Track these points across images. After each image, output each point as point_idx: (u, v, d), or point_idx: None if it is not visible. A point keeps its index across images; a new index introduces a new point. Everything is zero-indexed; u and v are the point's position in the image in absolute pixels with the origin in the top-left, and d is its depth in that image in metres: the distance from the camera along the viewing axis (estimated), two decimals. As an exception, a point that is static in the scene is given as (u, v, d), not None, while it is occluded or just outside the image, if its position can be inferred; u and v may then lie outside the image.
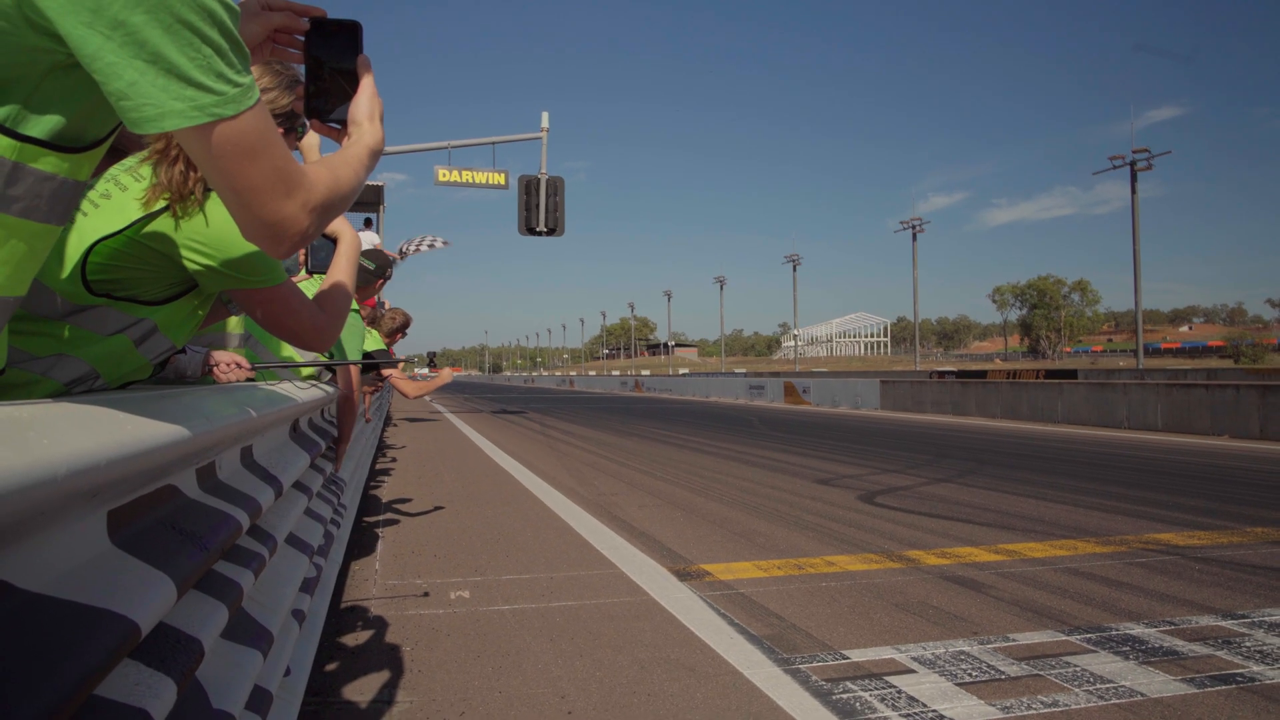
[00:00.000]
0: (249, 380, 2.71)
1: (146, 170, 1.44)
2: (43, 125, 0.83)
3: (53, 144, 0.85)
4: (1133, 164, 36.32)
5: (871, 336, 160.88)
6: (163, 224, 1.42)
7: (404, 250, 16.20)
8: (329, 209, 0.99)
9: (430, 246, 16.57)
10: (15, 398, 1.33)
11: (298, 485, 2.51)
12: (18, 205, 0.85)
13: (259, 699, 1.52)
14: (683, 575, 4.00)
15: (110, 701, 0.89)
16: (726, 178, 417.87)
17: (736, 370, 76.65)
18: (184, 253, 1.43)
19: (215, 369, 2.54)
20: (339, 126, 1.18)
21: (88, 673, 0.76)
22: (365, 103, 1.16)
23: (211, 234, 1.44)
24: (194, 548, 1.19)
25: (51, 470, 0.69)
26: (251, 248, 1.47)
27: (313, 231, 0.98)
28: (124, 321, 1.46)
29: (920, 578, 3.96)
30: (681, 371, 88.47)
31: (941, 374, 26.27)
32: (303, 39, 1.17)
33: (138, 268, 1.42)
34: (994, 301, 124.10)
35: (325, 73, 1.18)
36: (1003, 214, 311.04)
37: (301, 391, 2.80)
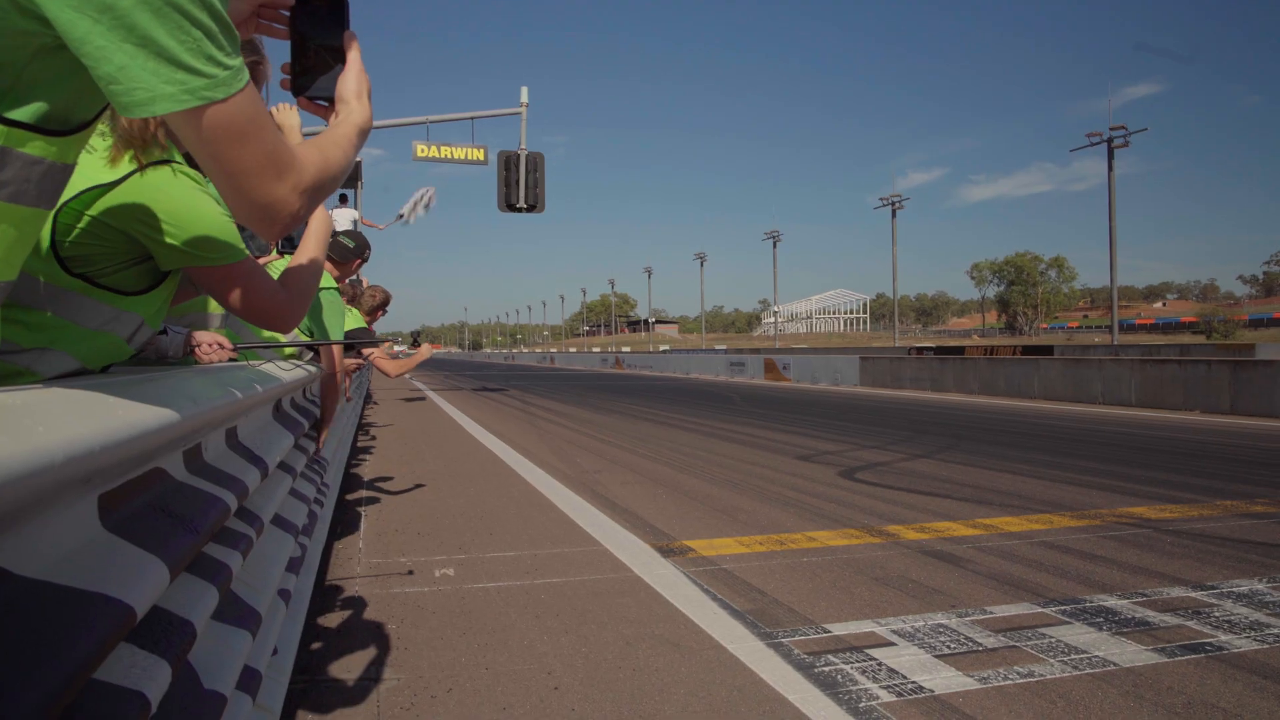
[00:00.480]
0: (231, 361, 2.69)
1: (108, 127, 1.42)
2: (29, 109, 0.82)
3: (40, 127, 0.84)
4: (1110, 141, 36.59)
5: (851, 313, 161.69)
6: (122, 196, 1.39)
7: (404, 216, 16.04)
8: (320, 189, 0.99)
9: (427, 206, 16.43)
10: (-1, 386, 1.32)
11: (282, 465, 2.51)
12: (6, 190, 0.85)
13: (249, 678, 1.53)
14: (666, 551, 4.04)
15: (107, 684, 0.90)
16: (707, 154, 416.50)
17: (717, 347, 76.84)
18: (141, 229, 1.40)
19: (197, 350, 2.52)
20: (326, 104, 1.17)
21: (86, 657, 0.77)
22: (353, 79, 1.14)
23: (170, 209, 1.41)
24: (184, 531, 1.19)
25: (49, 457, 0.69)
26: (210, 224, 1.45)
27: (304, 213, 0.99)
28: (108, 315, 1.44)
29: (900, 552, 4.02)
30: (662, 348, 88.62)
31: (920, 350, 26.48)
32: (288, 14, 1.15)
33: (99, 245, 1.40)
34: (972, 278, 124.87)
35: (311, 49, 1.16)
36: (981, 190, 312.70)
37: (284, 372, 2.79)
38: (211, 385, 1.59)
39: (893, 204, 55.38)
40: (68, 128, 0.88)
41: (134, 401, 1.06)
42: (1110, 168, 36.01)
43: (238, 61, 0.83)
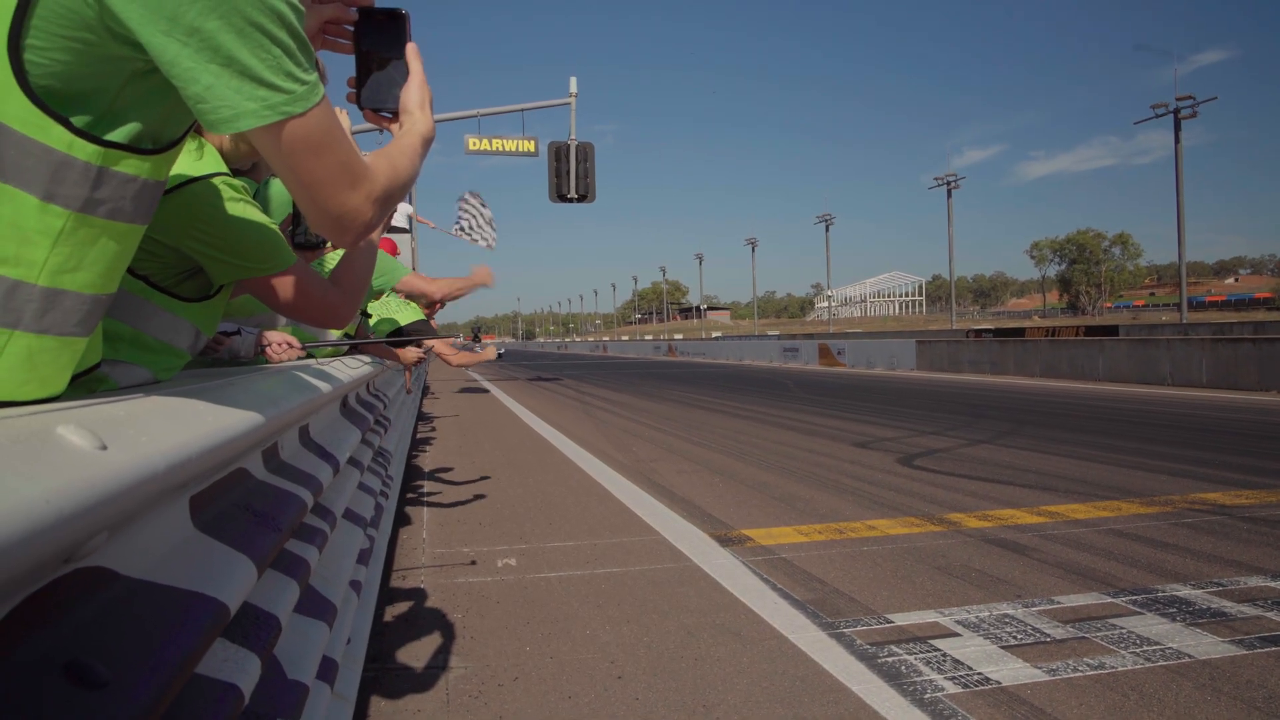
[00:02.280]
0: (300, 359, 2.77)
1: None
2: (124, 130, 0.87)
3: (133, 147, 0.89)
4: (1176, 111, 35.19)
5: (906, 296, 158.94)
6: (170, 210, 1.40)
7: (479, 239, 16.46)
8: (390, 199, 1.01)
9: (471, 239, 16.79)
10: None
11: (350, 460, 2.58)
12: (104, 207, 0.89)
13: (327, 668, 1.59)
14: (724, 541, 4.05)
15: (204, 678, 0.94)
16: (757, 138, 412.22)
17: (770, 333, 76.29)
18: (190, 244, 1.45)
19: (268, 349, 2.60)
20: (390, 116, 1.20)
21: (189, 652, 0.81)
22: (416, 91, 1.17)
23: (215, 221, 1.46)
24: (267, 528, 1.24)
25: (153, 466, 0.73)
26: (256, 234, 1.50)
27: (375, 221, 1.01)
28: (168, 322, 1.48)
29: (962, 541, 3.97)
30: (714, 335, 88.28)
31: (978, 333, 25.93)
32: (352, 29, 1.19)
33: (154, 260, 1.44)
34: (1032, 257, 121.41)
35: (375, 62, 1.20)
36: (1040, 167, 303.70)
37: (350, 369, 2.87)
38: (286, 386, 1.65)
39: (948, 183, 54.16)
40: (159, 146, 0.92)
41: (220, 406, 1.11)
42: (1177, 139, 34.66)
43: (313, 76, 0.86)
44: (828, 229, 75.50)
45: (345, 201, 0.93)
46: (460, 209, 17.70)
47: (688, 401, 13.07)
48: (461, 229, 17.39)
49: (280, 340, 2.63)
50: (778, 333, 69.50)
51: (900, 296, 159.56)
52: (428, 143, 1.15)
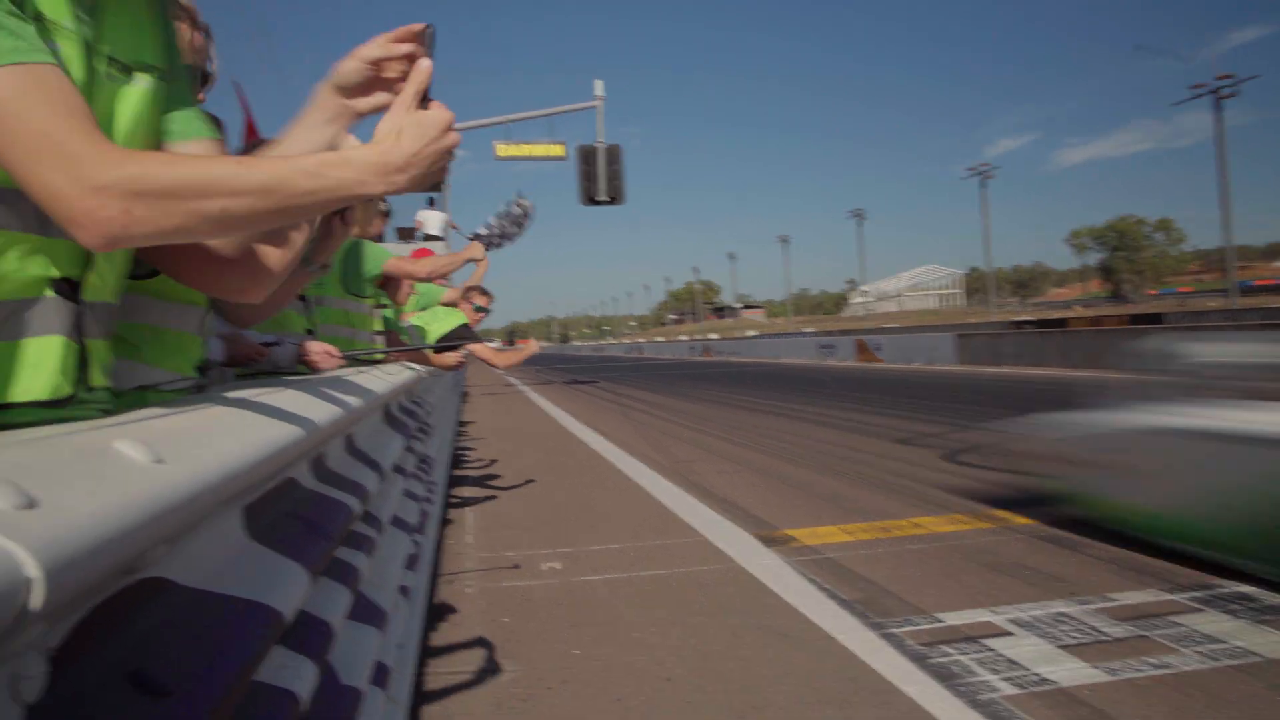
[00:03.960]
0: (340, 368, 2.80)
1: None
2: None
3: None
4: (1216, 91, 34.31)
5: (944, 289, 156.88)
6: None
7: (504, 231, 16.45)
8: (163, 201, 0.82)
9: (517, 222, 16.80)
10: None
11: (395, 467, 2.60)
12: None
13: (379, 673, 1.60)
14: (768, 541, 4.02)
15: (262, 684, 0.95)
16: (786, 135, 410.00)
17: (805, 330, 75.82)
18: None
19: (309, 359, 2.64)
20: None
21: (247, 660, 0.82)
22: (394, 116, 0.98)
23: None
24: (318, 536, 1.25)
25: (207, 478, 0.73)
26: None
27: (128, 224, 0.81)
28: (171, 310, 1.51)
29: (1011, 537, 3.90)
30: (749, 333, 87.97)
31: (1019, 324, 25.54)
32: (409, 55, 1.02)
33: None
34: (1071, 246, 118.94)
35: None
36: (1077, 153, 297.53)
37: (391, 377, 2.89)
38: (330, 396, 1.66)
39: (982, 173, 53.43)
40: None
41: (269, 418, 1.12)
42: (1219, 119, 33.81)
43: (23, 42, 0.81)
44: (860, 224, 74.86)
45: (48, 184, 0.79)
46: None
47: (725, 401, 13.02)
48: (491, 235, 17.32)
49: (320, 350, 2.66)
50: (813, 329, 69.08)
51: (937, 290, 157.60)
52: (366, 173, 0.89)
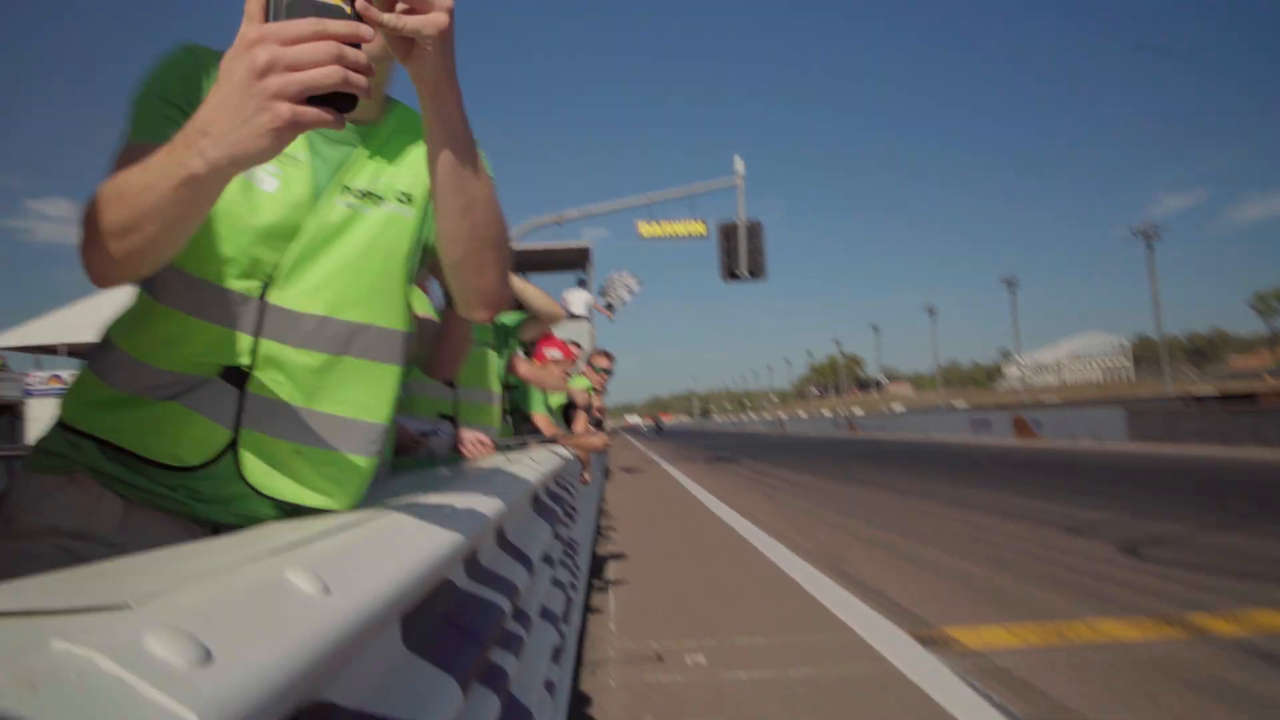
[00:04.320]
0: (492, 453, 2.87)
1: None
2: None
3: None
4: None
5: (1108, 358, 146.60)
6: None
7: (610, 303, 16.83)
8: (98, 219, 0.90)
9: (630, 292, 17.10)
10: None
11: (543, 557, 2.61)
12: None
13: (526, 779, 1.56)
14: (926, 641, 3.75)
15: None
16: (929, 200, 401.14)
17: (956, 404, 72.43)
18: None
19: (462, 447, 2.72)
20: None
21: (405, 789, 0.80)
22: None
23: None
24: (471, 643, 1.24)
25: (371, 607, 0.73)
26: None
27: (88, 254, 0.95)
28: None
29: (1212, 650, 3.46)
30: (896, 408, 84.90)
31: (1199, 399, 23.32)
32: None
33: None
34: (1256, 309, 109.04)
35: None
36: (1256, 208, 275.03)
37: (541, 463, 2.93)
38: (485, 490, 1.68)
39: (1146, 234, 50.08)
40: None
41: (430, 525, 1.13)
42: None
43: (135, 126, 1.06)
44: (1012, 291, 71.51)
45: None
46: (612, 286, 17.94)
47: (872, 481, 12.52)
48: (611, 305, 17.60)
49: (474, 438, 2.74)
50: (965, 404, 65.89)
51: (1100, 359, 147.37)
52: (178, 150, 0.82)
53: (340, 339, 1.19)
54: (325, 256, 1.17)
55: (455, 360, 2.02)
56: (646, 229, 18.31)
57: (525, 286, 3.44)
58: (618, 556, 6.53)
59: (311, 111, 0.77)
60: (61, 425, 1.17)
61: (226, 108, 0.77)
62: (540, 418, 4.80)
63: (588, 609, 4.62)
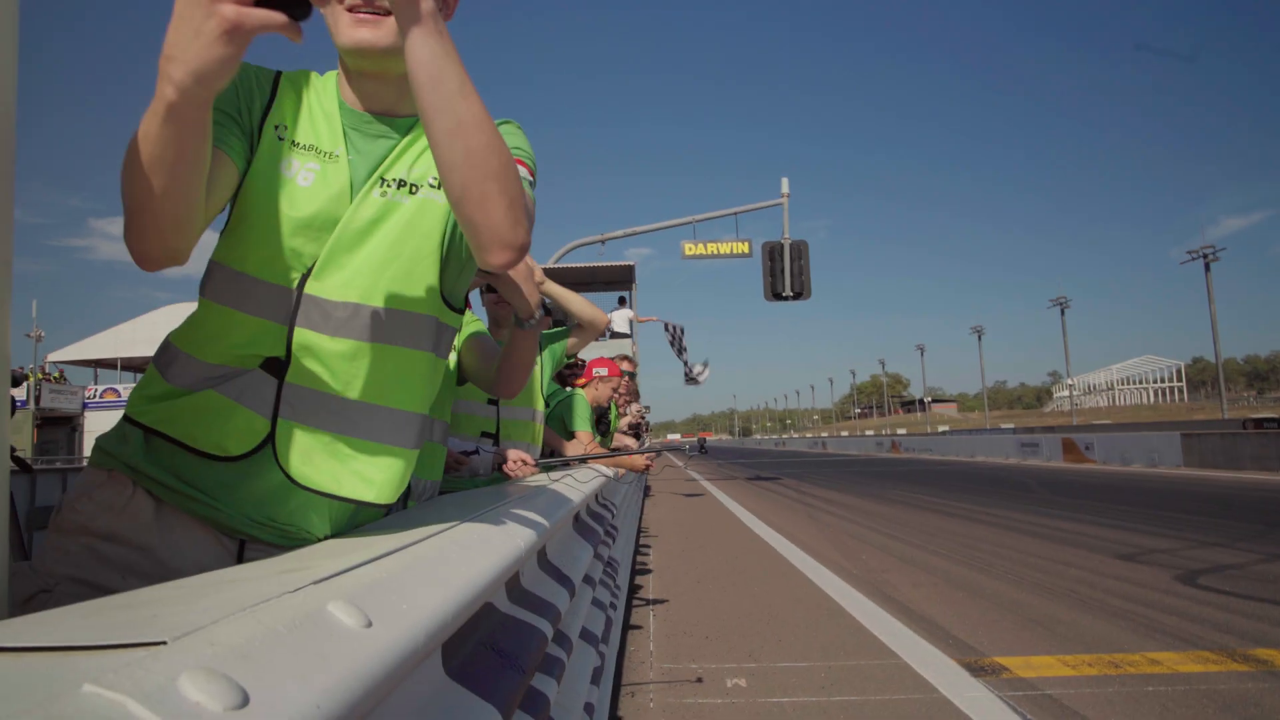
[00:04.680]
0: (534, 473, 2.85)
1: None
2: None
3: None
4: None
5: (1161, 382, 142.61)
6: None
7: (692, 374, 17.16)
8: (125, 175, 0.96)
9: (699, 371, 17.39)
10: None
11: (584, 578, 2.58)
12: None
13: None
14: (975, 670, 3.64)
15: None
16: (976, 219, 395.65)
17: (1003, 426, 70.98)
18: None
19: (505, 467, 2.70)
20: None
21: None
22: None
23: None
24: (512, 669, 1.22)
25: (414, 640, 0.71)
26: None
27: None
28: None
29: (1277, 684, 3.30)
30: (941, 429, 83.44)
31: (1259, 422, 22.53)
32: None
33: None
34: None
35: None
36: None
37: (583, 483, 2.91)
38: (528, 512, 1.66)
39: (1205, 256, 48.66)
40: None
41: (472, 552, 1.11)
42: None
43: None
44: (1063, 312, 69.97)
45: None
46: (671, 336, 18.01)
47: (917, 504, 12.27)
48: (685, 357, 17.73)
49: (517, 458, 2.72)
50: (1012, 426, 64.54)
51: (1154, 383, 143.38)
52: (158, 82, 0.85)
53: (373, 326, 1.22)
54: (361, 247, 1.21)
55: (517, 377, 2.02)
56: (691, 248, 18.34)
57: (567, 294, 3.43)
58: (658, 575, 6.47)
59: (258, 12, 0.80)
60: (125, 418, 1.23)
61: (180, 26, 0.81)
62: (584, 434, 4.80)
63: (626, 626, 4.58)
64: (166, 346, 1.23)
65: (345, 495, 1.23)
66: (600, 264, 17.50)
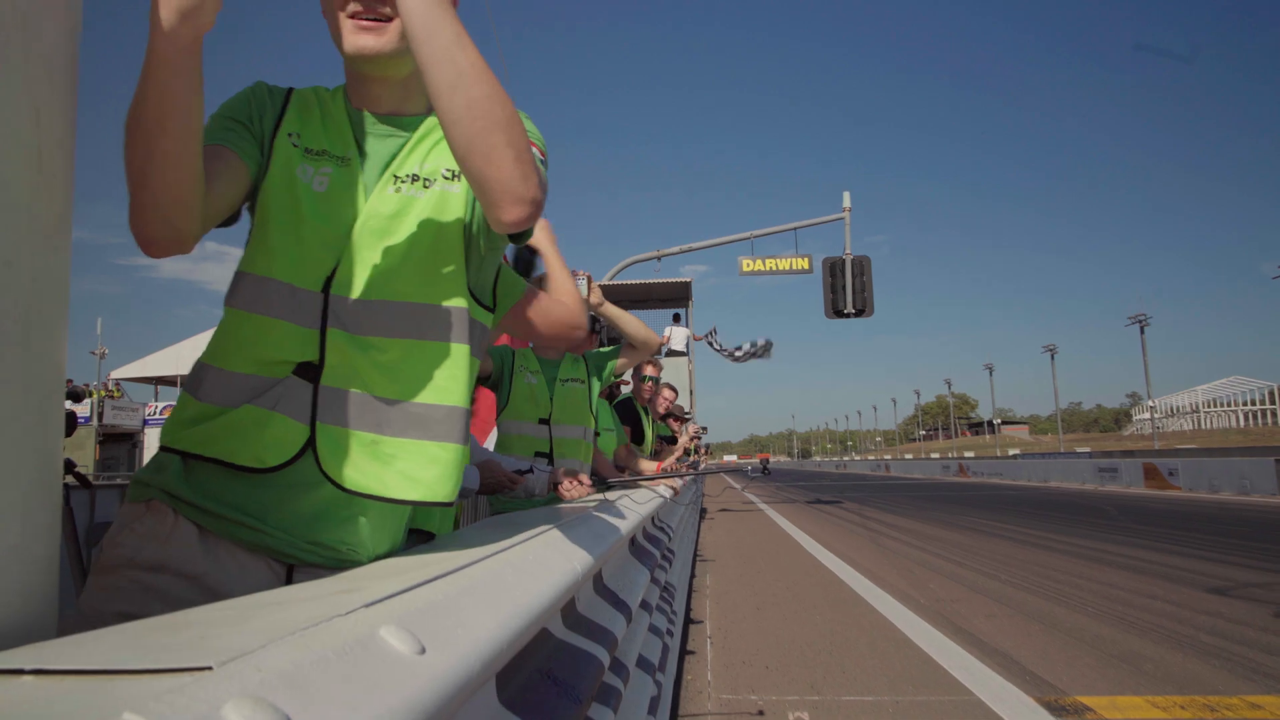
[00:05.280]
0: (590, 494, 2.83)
1: None
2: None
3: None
4: None
5: (1251, 404, 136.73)
6: None
7: (735, 354, 16.98)
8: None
9: (752, 355, 17.19)
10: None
11: (641, 604, 2.55)
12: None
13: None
14: (1057, 709, 3.49)
15: None
16: (1050, 232, 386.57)
17: (1079, 449, 68.81)
18: None
19: (559, 487, 2.69)
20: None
21: None
22: None
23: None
24: (568, 699, 1.19)
25: (468, 668, 0.69)
26: (509, 280, 1.85)
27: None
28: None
29: (1396, 735, 3.09)
30: (1011, 452, 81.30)
31: (1363, 448, 21.38)
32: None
33: None
34: None
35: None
36: None
37: (640, 504, 2.88)
38: (585, 535, 1.64)
39: (1299, 271, 46.63)
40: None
41: (528, 575, 1.09)
42: None
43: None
44: (1142, 330, 67.73)
45: None
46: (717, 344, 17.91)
47: (987, 530, 11.93)
48: (739, 355, 17.65)
49: (572, 478, 2.71)
50: (1088, 449, 62.53)
51: (1243, 405, 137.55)
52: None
53: (403, 322, 1.23)
54: (381, 244, 1.24)
55: (548, 328, 1.80)
56: (749, 264, 18.20)
57: (622, 315, 3.43)
58: (715, 600, 6.39)
59: None
60: (161, 448, 1.23)
61: None
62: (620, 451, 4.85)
63: (683, 654, 4.52)
64: (197, 368, 1.24)
65: (392, 496, 1.22)
66: (656, 280, 17.52)
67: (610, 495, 2.99)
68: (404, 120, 1.32)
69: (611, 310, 3.32)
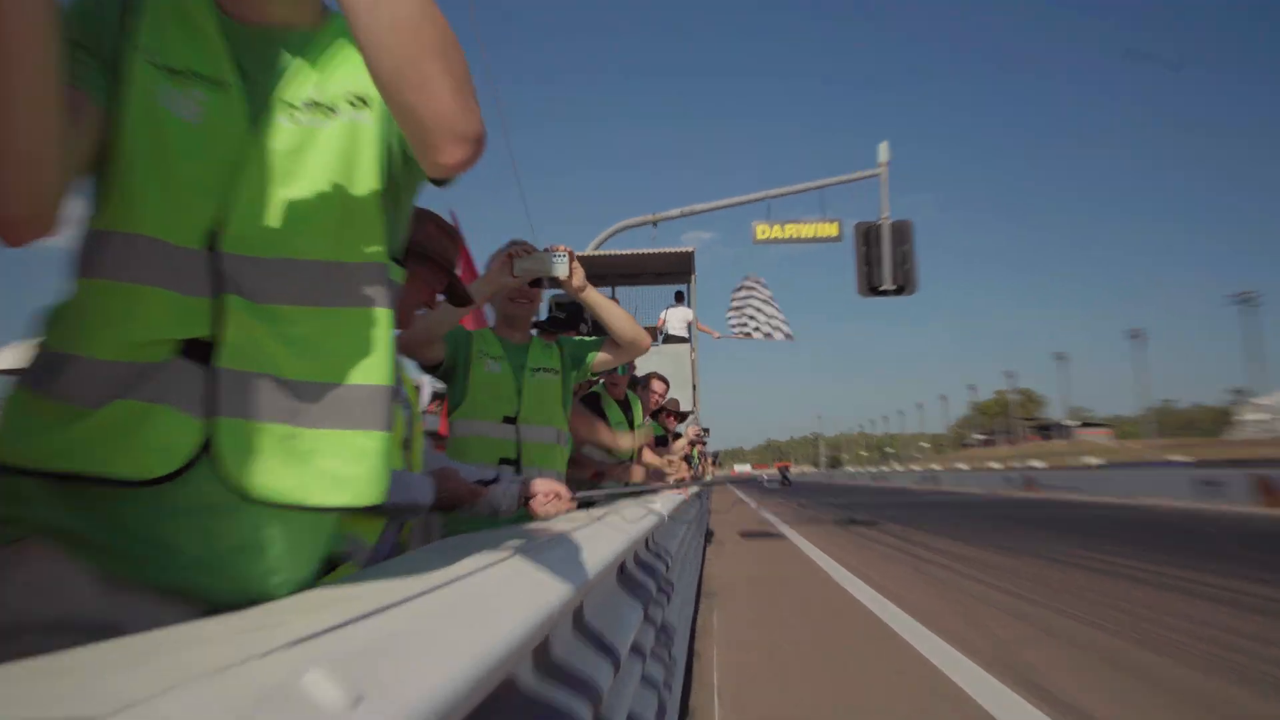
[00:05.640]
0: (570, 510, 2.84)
1: None
2: None
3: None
4: None
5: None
6: None
7: (743, 329, 17.01)
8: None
9: (767, 335, 17.20)
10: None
11: (632, 647, 2.55)
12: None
13: None
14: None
15: None
16: (1133, 193, 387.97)
17: (1173, 458, 69.36)
18: None
19: (532, 501, 2.69)
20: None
21: None
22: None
23: None
24: (540, 769, 1.19)
25: (413, 721, 0.68)
26: None
27: None
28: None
29: None
30: (1089, 461, 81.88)
31: None
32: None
33: None
34: None
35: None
36: None
37: (631, 522, 2.88)
38: (561, 561, 1.64)
39: None
40: None
41: (489, 605, 1.09)
42: None
43: None
44: (1247, 314, 68.19)
45: None
46: (739, 301, 17.99)
47: (1060, 558, 12.02)
48: (748, 329, 17.72)
49: (548, 491, 2.71)
50: (1186, 458, 63.05)
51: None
52: None
53: (312, 284, 1.22)
54: (280, 188, 1.21)
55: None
56: (764, 230, 18.14)
57: (608, 306, 3.40)
58: (723, 645, 6.42)
59: None
60: (1, 468, 1.13)
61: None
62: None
63: (685, 712, 4.54)
64: (38, 355, 1.17)
65: (315, 504, 1.20)
66: (652, 251, 17.45)
67: (596, 512, 2.99)
68: (292, 33, 1.29)
69: (594, 297, 3.28)
